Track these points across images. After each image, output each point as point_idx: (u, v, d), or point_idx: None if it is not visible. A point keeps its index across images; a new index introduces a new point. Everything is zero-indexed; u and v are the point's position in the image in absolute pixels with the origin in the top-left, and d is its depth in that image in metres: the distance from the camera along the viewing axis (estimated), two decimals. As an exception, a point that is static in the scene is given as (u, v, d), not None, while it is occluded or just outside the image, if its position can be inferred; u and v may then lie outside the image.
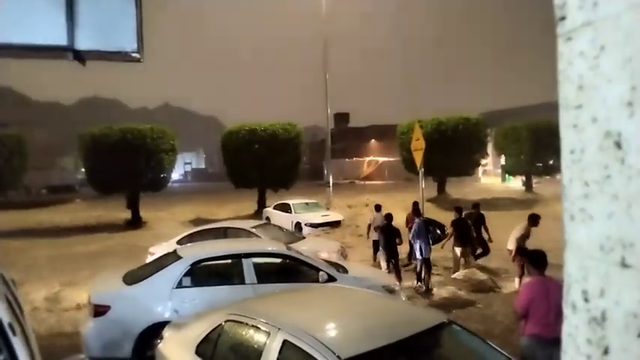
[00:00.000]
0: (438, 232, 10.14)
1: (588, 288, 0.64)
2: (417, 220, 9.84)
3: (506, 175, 36.71)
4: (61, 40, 2.47)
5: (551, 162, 27.32)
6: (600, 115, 0.61)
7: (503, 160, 33.74)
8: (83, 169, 27.88)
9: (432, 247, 9.64)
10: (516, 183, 33.58)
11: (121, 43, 2.59)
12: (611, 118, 0.59)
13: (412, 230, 9.59)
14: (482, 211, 11.10)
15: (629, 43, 0.56)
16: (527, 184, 30.31)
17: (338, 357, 3.05)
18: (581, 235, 0.65)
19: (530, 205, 21.06)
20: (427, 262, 9.28)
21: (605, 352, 0.61)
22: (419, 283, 9.27)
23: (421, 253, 9.22)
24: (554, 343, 3.84)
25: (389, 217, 9.88)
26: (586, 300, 0.64)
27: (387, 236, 9.55)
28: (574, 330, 0.67)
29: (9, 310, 3.13)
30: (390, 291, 6.46)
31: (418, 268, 9.35)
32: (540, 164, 28.10)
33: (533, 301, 4.26)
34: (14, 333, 2.88)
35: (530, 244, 7.99)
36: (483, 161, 28.83)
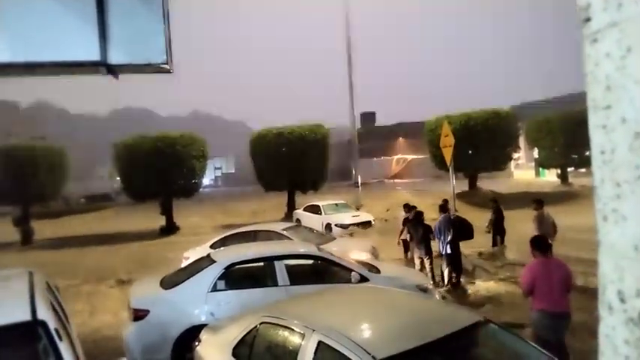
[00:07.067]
0: (453, 231, 9.30)
1: (624, 288, 0.63)
2: (441, 216, 9.71)
3: (541, 169, 35.63)
4: (94, 55, 2.57)
5: (587, 153, 26.38)
6: (629, 116, 0.60)
7: (536, 153, 32.76)
8: (118, 178, 28.72)
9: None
10: (551, 176, 32.50)
11: (151, 56, 2.67)
12: None
13: (435, 227, 9.47)
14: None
15: None
16: (563, 177, 29.38)
17: (373, 357, 3.04)
18: (614, 235, 0.64)
19: (569, 199, 20.17)
20: (452, 259, 9.10)
21: (644, 352, 0.61)
22: (444, 281, 9.15)
23: (445, 249, 9.09)
24: (560, 316, 4.65)
25: (420, 213, 10.04)
26: (622, 300, 0.64)
27: (421, 232, 9.51)
28: (611, 331, 0.66)
29: (55, 316, 3.27)
30: (424, 290, 6.40)
31: (443, 266, 9.21)
32: (575, 156, 27.17)
33: (537, 280, 4.78)
34: (60, 338, 3.01)
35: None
36: (515, 155, 28.09)
